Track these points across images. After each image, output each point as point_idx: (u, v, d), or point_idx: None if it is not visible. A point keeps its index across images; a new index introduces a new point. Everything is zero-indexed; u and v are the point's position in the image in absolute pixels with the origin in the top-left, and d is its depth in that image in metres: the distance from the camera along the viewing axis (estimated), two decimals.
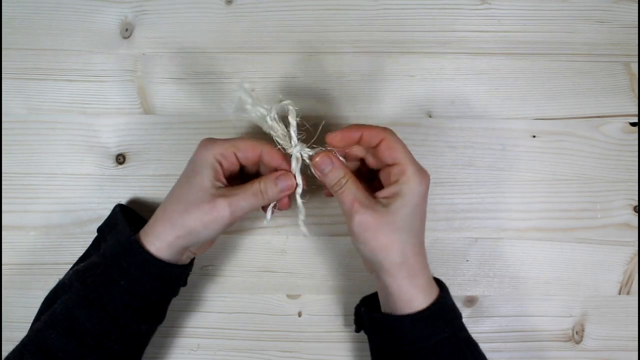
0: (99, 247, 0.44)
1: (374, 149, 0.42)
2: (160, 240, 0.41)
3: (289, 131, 0.42)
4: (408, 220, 0.40)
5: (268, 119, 0.41)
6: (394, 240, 0.40)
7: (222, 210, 0.40)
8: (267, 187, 0.42)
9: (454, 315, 0.42)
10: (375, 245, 0.40)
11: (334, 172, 0.42)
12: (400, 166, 0.40)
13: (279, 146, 0.43)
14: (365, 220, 0.40)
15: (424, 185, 0.40)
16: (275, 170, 0.44)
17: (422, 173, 0.41)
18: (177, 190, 0.43)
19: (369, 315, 0.44)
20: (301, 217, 0.44)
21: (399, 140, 0.41)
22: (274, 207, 0.45)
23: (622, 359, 0.52)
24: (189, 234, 0.41)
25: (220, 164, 0.42)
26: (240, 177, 0.45)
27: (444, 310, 0.41)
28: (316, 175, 0.43)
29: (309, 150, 0.43)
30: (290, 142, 0.43)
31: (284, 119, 0.43)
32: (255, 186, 0.42)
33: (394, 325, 0.41)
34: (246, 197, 0.41)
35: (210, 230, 0.41)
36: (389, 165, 0.41)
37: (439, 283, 0.44)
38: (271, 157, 0.43)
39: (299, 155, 0.43)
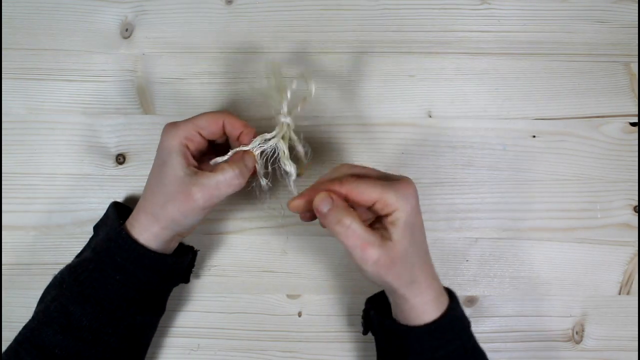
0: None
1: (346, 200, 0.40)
2: (147, 232, 0.42)
3: (284, 100, 0.44)
4: (410, 240, 0.39)
5: (288, 91, 0.44)
6: (405, 267, 0.39)
7: (197, 200, 0.41)
8: (241, 171, 0.42)
9: (462, 326, 0.42)
10: (389, 277, 0.39)
11: (335, 212, 0.38)
12: (380, 202, 0.38)
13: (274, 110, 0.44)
14: (379, 259, 0.38)
15: (411, 199, 0.39)
16: (239, 136, 0.44)
17: (403, 189, 0.38)
18: (153, 180, 0.43)
19: (379, 320, 0.43)
20: (292, 178, 0.45)
21: (361, 180, 0.39)
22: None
23: (622, 359, 0.52)
24: (172, 223, 0.42)
25: (187, 147, 0.42)
26: (213, 150, 0.45)
27: (452, 322, 0.41)
28: (316, 215, 0.40)
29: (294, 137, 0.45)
30: (281, 112, 0.44)
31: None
32: (227, 173, 0.41)
33: (403, 335, 0.41)
34: (219, 186, 0.41)
35: (190, 218, 0.42)
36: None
37: (449, 292, 0.44)
38: (233, 126, 0.43)
39: (288, 122, 0.44)
